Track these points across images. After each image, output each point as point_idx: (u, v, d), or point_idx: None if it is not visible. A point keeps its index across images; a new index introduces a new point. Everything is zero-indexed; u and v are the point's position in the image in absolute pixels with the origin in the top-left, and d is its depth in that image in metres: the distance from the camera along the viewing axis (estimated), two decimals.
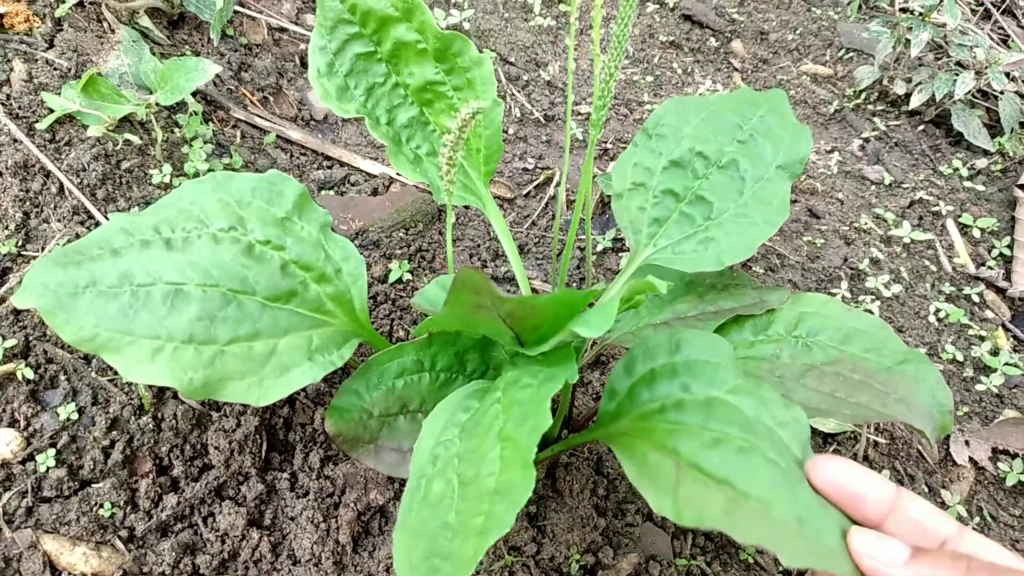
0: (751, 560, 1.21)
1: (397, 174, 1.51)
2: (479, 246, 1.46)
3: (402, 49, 1.02)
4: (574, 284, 1.47)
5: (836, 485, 0.63)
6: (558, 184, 1.63)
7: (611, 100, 0.87)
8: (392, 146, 1.01)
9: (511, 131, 1.73)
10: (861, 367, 1.02)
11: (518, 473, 0.60)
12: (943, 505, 1.33)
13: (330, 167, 1.48)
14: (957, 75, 1.99)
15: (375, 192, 1.46)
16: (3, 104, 1.24)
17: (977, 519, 1.32)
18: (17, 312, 1.10)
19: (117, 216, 0.89)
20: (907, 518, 0.62)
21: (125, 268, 0.84)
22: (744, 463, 0.63)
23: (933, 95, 2.01)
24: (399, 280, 1.34)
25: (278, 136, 1.46)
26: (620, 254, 1.54)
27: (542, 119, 1.78)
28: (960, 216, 1.86)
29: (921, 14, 1.98)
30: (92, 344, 0.80)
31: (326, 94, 0.99)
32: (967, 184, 1.95)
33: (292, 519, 1.07)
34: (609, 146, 1.76)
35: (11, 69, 1.28)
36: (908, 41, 2.00)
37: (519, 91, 1.81)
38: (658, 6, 2.23)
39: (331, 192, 1.43)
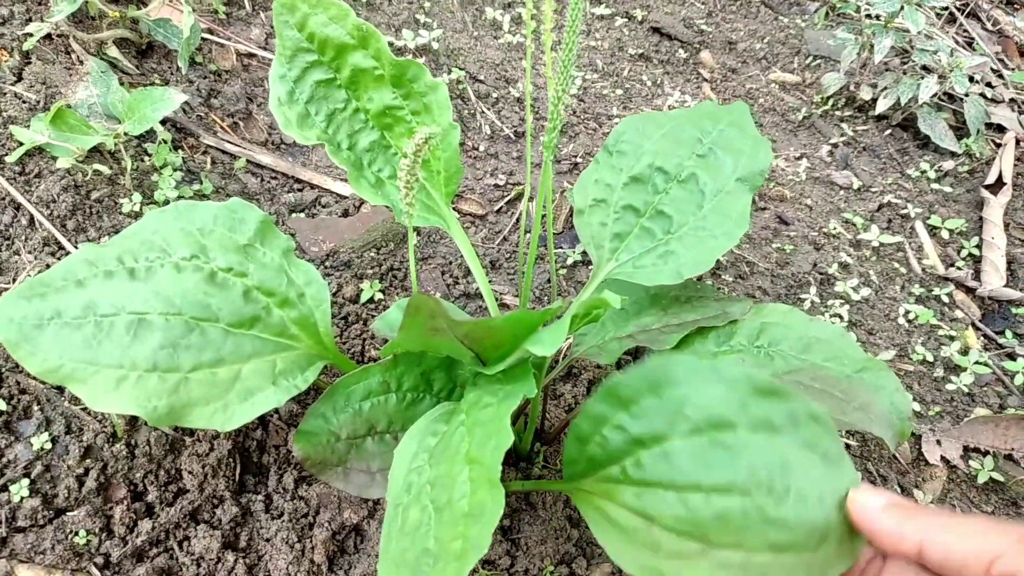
0: None
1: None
2: (450, 263, 1.48)
3: (360, 76, 1.04)
4: (545, 298, 1.49)
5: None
6: (531, 199, 1.65)
7: (561, 123, 0.89)
8: (353, 171, 1.03)
9: (481, 148, 1.75)
10: (821, 376, 1.04)
11: (487, 493, 0.62)
12: None
13: (300, 190, 1.50)
14: (921, 79, 2.02)
15: (346, 213, 1.48)
16: None
17: None
18: None
19: (83, 247, 0.91)
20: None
21: (89, 299, 0.85)
22: None
23: (899, 99, 2.04)
24: (370, 300, 1.35)
25: (248, 161, 1.48)
26: (590, 267, 1.56)
27: (512, 136, 1.80)
28: (929, 218, 1.89)
29: (884, 20, 2.02)
30: (57, 375, 0.82)
31: (287, 122, 1.01)
32: (935, 186, 1.98)
33: (267, 540, 1.08)
34: (579, 160, 1.78)
35: None
36: (873, 47, 2.04)
37: (489, 108, 1.84)
38: (627, 19, 2.26)
39: (302, 215, 1.45)
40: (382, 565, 0.70)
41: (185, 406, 0.84)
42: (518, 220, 1.62)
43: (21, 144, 1.26)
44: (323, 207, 1.48)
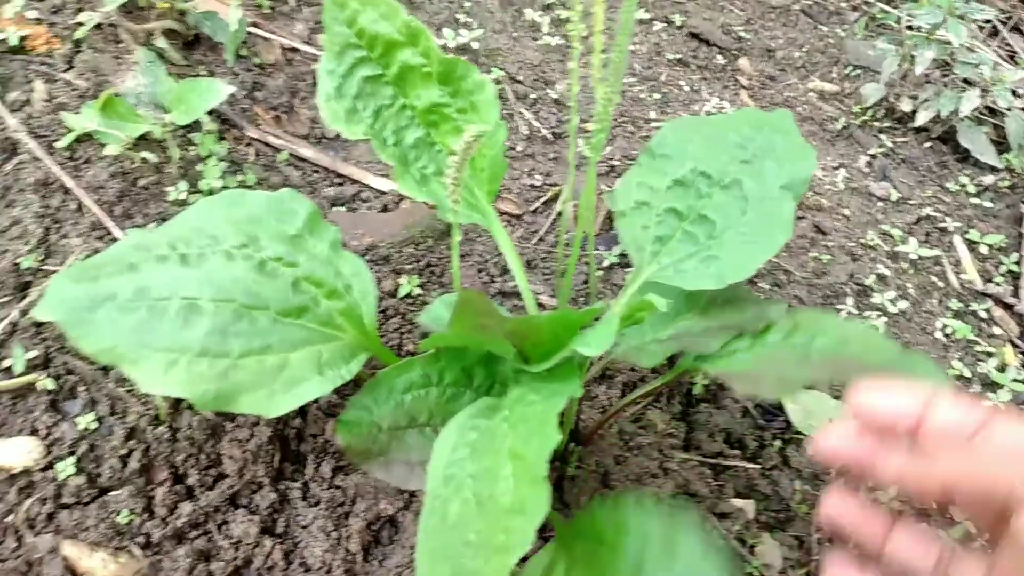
0: (757, 574, 1.22)
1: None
2: (487, 261, 1.49)
3: (408, 73, 1.06)
4: (581, 299, 1.49)
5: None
6: (564, 201, 1.65)
7: (610, 126, 0.90)
8: (399, 166, 1.04)
9: (519, 148, 1.76)
10: (858, 366, 1.02)
11: (530, 490, 0.62)
12: (952, 521, 1.34)
13: (341, 184, 1.51)
14: (963, 92, 2.00)
15: (385, 208, 1.49)
16: (24, 123, 1.28)
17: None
18: (38, 324, 1.14)
19: (134, 232, 0.92)
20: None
21: (142, 283, 0.87)
22: None
23: (939, 112, 2.03)
24: (408, 295, 1.36)
25: (290, 154, 1.50)
26: (626, 269, 1.56)
27: (550, 136, 1.81)
28: (967, 232, 1.88)
29: (926, 32, 2.00)
30: (110, 356, 0.83)
31: (335, 116, 1.02)
32: (974, 200, 1.97)
33: (304, 528, 1.10)
34: (616, 163, 1.79)
35: (32, 89, 1.32)
36: (914, 59, 2.02)
37: (527, 109, 1.84)
38: (665, 24, 2.26)
39: (342, 208, 1.46)
40: (421, 558, 0.70)
41: (233, 391, 0.85)
42: (554, 221, 1.63)
43: (71, 130, 1.28)
44: (363, 201, 1.49)
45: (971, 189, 1.99)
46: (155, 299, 0.86)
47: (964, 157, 2.08)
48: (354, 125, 1.04)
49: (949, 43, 2.00)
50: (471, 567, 0.63)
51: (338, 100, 1.04)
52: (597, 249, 1.61)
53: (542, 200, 1.66)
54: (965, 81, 2.07)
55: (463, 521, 0.68)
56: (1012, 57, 2.39)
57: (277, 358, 0.89)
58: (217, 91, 1.28)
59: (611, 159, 1.80)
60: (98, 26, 1.46)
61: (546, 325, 0.79)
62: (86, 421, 1.08)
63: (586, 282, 1.51)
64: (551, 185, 1.69)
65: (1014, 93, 2.08)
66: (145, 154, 1.31)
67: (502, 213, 1.62)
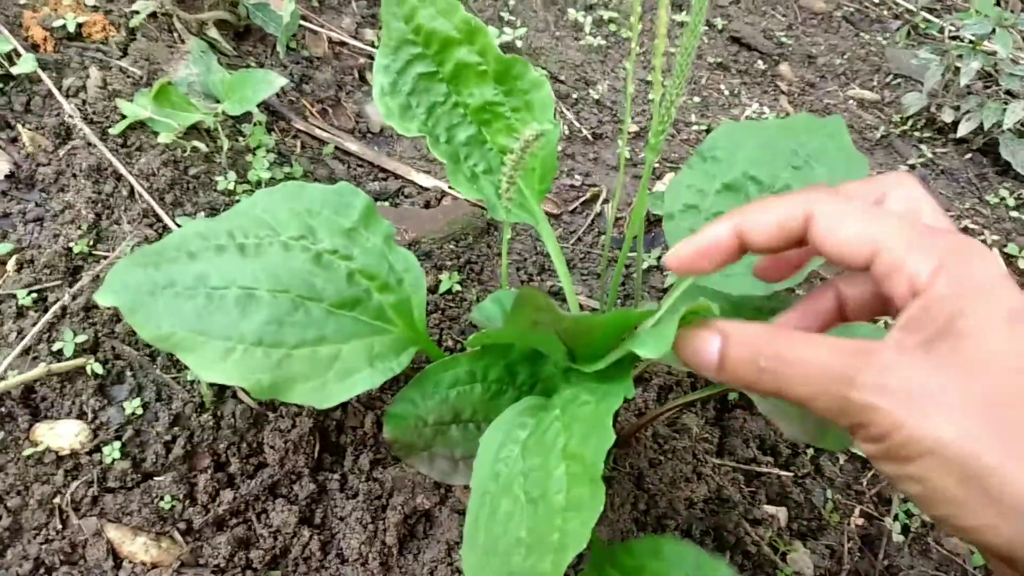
0: (791, 573, 1.22)
1: (449, 187, 1.54)
2: (525, 260, 1.49)
3: (463, 70, 1.06)
4: (617, 301, 1.49)
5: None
6: (606, 201, 1.66)
7: (668, 128, 0.90)
8: (451, 164, 1.04)
9: (559, 148, 1.76)
10: None
11: (587, 489, 0.62)
12: None
13: (385, 179, 1.52)
14: (1007, 104, 1.98)
15: (427, 205, 1.50)
16: (79, 109, 1.30)
17: None
18: (88, 309, 1.15)
19: (193, 221, 0.93)
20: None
21: (201, 271, 0.88)
22: None
23: (981, 124, 2.01)
24: (449, 291, 1.37)
25: (336, 147, 1.51)
26: (664, 273, 1.56)
27: (590, 137, 1.81)
28: (1006, 246, 1.86)
29: (972, 42, 1.98)
30: (168, 343, 0.84)
31: (389, 112, 1.03)
32: (1013, 214, 1.95)
33: (341, 519, 1.11)
34: (656, 165, 1.78)
35: (88, 76, 1.34)
36: (958, 69, 2.00)
37: (568, 109, 1.84)
38: (707, 28, 2.26)
39: (386, 203, 1.47)
40: (467, 553, 0.70)
41: (287, 381, 0.86)
42: (593, 221, 1.63)
43: (124, 117, 1.30)
44: (406, 197, 1.50)
45: (1011, 202, 1.97)
46: (213, 287, 0.87)
47: (1004, 170, 2.07)
48: (408, 122, 1.05)
49: (994, 54, 1.98)
50: (523, 564, 0.63)
51: (392, 96, 1.05)
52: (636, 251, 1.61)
53: (581, 200, 1.67)
54: (1008, 93, 2.05)
55: (513, 519, 0.68)
56: None
57: (330, 349, 0.90)
58: (271, 83, 1.29)
59: (653, 162, 1.79)
60: (153, 15, 1.47)
61: (604, 324, 0.79)
62: (132, 406, 1.09)
63: (623, 284, 1.51)
64: (590, 185, 1.69)
65: None
66: (196, 143, 1.32)
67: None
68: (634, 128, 1.87)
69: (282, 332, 0.87)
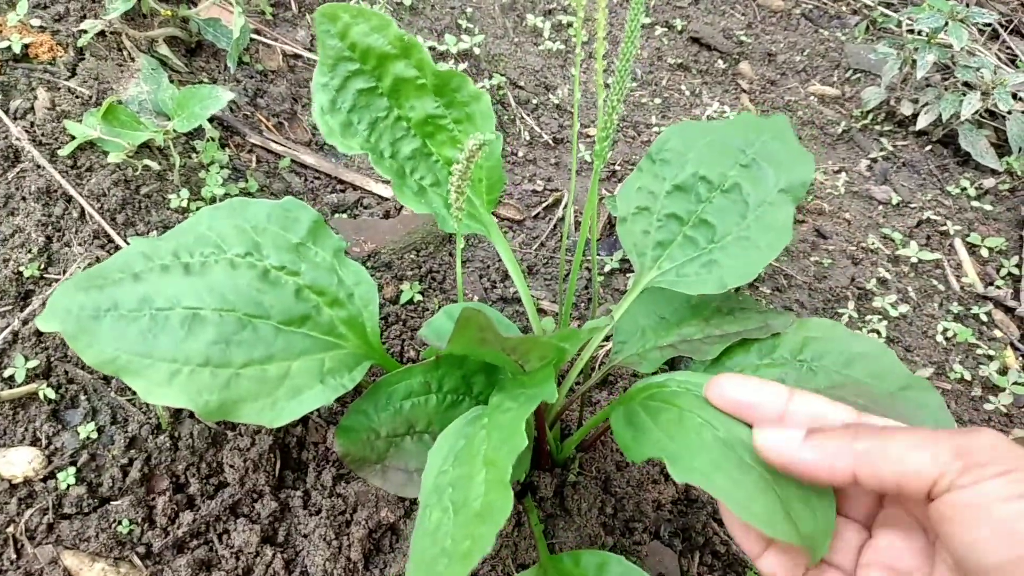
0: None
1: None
2: (488, 267, 1.49)
3: (402, 85, 1.05)
4: (582, 304, 1.49)
5: (728, 399, 0.71)
6: (566, 206, 1.66)
7: (614, 131, 0.90)
8: (396, 179, 1.03)
9: (520, 154, 1.76)
10: (865, 391, 1.03)
11: (498, 495, 0.62)
12: None
13: (343, 191, 1.51)
14: (964, 96, 2.00)
15: (387, 215, 1.49)
16: (27, 131, 1.29)
17: None
18: (40, 334, 1.14)
19: (137, 241, 0.92)
20: (804, 414, 0.68)
21: (145, 292, 0.87)
22: None
23: (940, 116, 2.03)
24: (410, 301, 1.36)
25: (292, 160, 1.50)
26: (628, 274, 1.56)
27: (551, 142, 1.81)
28: (968, 236, 1.88)
29: (927, 36, 2.00)
30: (113, 367, 0.83)
31: (330, 131, 1.02)
32: (975, 204, 1.97)
33: (305, 536, 1.10)
34: (617, 168, 1.79)
35: (35, 97, 1.32)
36: (915, 62, 2.02)
37: (528, 114, 1.84)
38: (666, 29, 2.26)
39: (344, 215, 1.47)
40: (409, 565, 0.70)
41: (236, 401, 0.85)
42: (556, 226, 1.63)
43: (74, 138, 1.28)
44: (365, 208, 1.50)
45: (972, 192, 1.99)
46: (158, 309, 0.86)
47: (965, 160, 2.09)
48: (349, 139, 1.04)
49: (950, 47, 2.00)
50: (444, 574, 0.62)
51: (333, 114, 1.04)
52: (599, 254, 1.61)
53: (543, 205, 1.67)
54: (966, 84, 2.07)
55: (441, 529, 0.67)
56: (1013, 61, 2.39)
57: (279, 367, 0.89)
58: (218, 98, 1.28)
59: (613, 164, 1.80)
60: (101, 34, 1.46)
61: (548, 343, 0.79)
62: (87, 431, 1.08)
63: (587, 287, 1.51)
64: (552, 190, 1.69)
65: (1015, 96, 2.08)
66: (147, 161, 1.31)
67: (503, 219, 1.62)
68: (595, 131, 1.88)
69: (229, 352, 0.87)
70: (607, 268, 1.56)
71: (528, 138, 1.80)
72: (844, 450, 0.61)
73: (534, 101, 1.87)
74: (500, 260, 1.51)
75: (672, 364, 1.38)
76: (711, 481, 0.66)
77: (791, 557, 0.68)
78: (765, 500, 0.65)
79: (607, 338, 1.41)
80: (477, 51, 1.87)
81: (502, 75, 1.86)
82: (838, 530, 0.69)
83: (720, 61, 2.24)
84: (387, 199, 1.52)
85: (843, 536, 0.70)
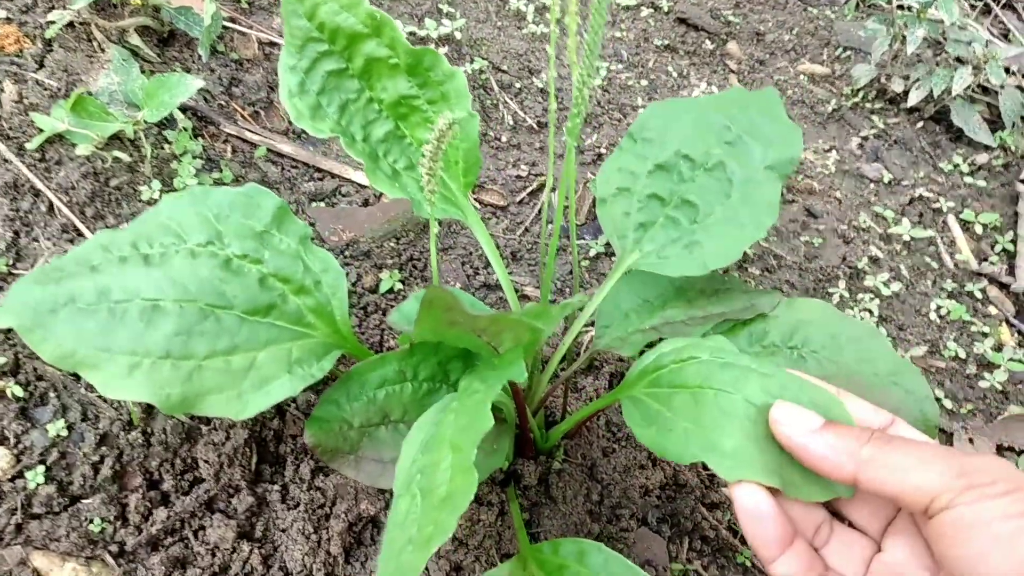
0: (748, 563, 1.20)
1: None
2: (471, 254, 1.46)
3: (374, 65, 1.02)
4: (567, 289, 1.46)
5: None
6: (553, 190, 1.63)
7: (586, 109, 0.87)
8: (369, 163, 1.00)
9: (504, 138, 1.73)
10: (855, 380, 1.01)
11: (461, 480, 0.60)
12: None
13: (321, 179, 1.48)
14: (955, 71, 1.97)
15: (366, 203, 1.46)
16: None
17: None
18: (7, 331, 1.11)
19: (98, 232, 0.90)
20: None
21: (103, 285, 0.84)
22: None
23: (931, 92, 1.99)
24: (390, 290, 1.34)
25: (269, 150, 1.47)
26: (613, 258, 1.53)
27: (535, 126, 1.78)
28: (961, 212, 1.85)
29: (917, 10, 1.97)
30: (71, 361, 0.81)
31: (299, 114, 0.98)
32: (968, 180, 1.94)
33: (283, 531, 1.07)
34: (603, 151, 1.76)
35: (1, 90, 1.29)
36: (905, 38, 1.99)
37: (512, 99, 1.81)
38: (652, 10, 2.23)
39: (322, 204, 1.44)
40: (380, 557, 0.68)
41: (199, 394, 0.83)
42: (540, 211, 1.60)
43: (41, 131, 1.25)
44: (343, 196, 1.47)
45: (965, 168, 1.96)
46: (116, 301, 0.84)
47: (957, 136, 2.05)
48: (320, 122, 1.01)
49: (941, 21, 1.97)
50: (408, 562, 0.60)
51: (301, 97, 1.00)
52: (584, 238, 1.58)
53: (528, 191, 1.64)
54: (957, 60, 2.04)
55: (409, 517, 0.65)
56: (1006, 35, 2.36)
57: (244, 358, 0.86)
58: (187, 86, 1.25)
59: (599, 147, 1.77)
60: (70, 24, 1.43)
61: (520, 321, 0.76)
62: (56, 428, 1.05)
63: (573, 273, 1.49)
64: (537, 175, 1.67)
65: (1007, 71, 2.04)
66: (118, 153, 1.28)
67: (486, 204, 1.59)
68: (571, 111, 1.85)
69: (191, 343, 0.84)
70: (592, 252, 1.53)
71: (512, 123, 1.77)
72: (851, 450, 0.62)
73: (517, 85, 1.84)
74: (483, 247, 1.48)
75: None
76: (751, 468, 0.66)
77: (806, 560, 0.68)
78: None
79: (592, 324, 1.39)
80: (459, 35, 1.84)
81: (484, 59, 1.83)
82: (847, 542, 0.71)
83: (707, 42, 2.21)
84: (365, 187, 1.49)
85: (852, 548, 0.71)
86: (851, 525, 0.73)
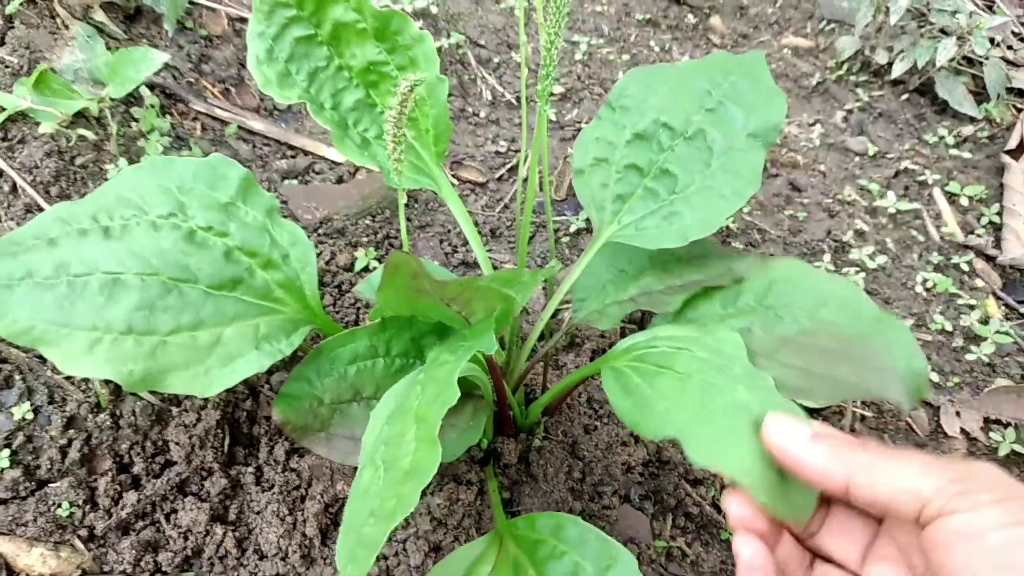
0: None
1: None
2: (449, 231, 1.44)
3: (342, 30, 0.99)
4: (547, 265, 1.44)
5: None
6: (525, 161, 1.60)
7: (554, 70, 0.84)
8: (337, 131, 0.98)
9: (482, 114, 1.70)
10: (836, 335, 0.98)
11: (425, 452, 0.57)
12: None
13: (293, 156, 1.45)
14: (939, 42, 1.95)
15: (340, 180, 1.43)
16: None
17: None
18: None
19: (56, 206, 0.87)
20: None
21: (61, 258, 0.81)
22: None
23: (915, 63, 1.97)
24: (366, 268, 1.31)
25: (240, 127, 1.44)
26: (591, 233, 1.51)
27: (514, 101, 1.75)
28: (947, 185, 1.83)
29: None
30: (28, 337, 0.78)
31: (266, 81, 0.96)
32: (953, 152, 1.92)
33: (258, 513, 1.05)
34: (584, 125, 1.73)
35: None
36: (888, 9, 1.96)
37: (490, 74, 1.78)
38: None
39: (295, 181, 1.41)
40: (341, 529, 0.66)
41: (163, 371, 0.80)
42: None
43: (3, 109, 1.22)
44: (316, 174, 1.44)
45: (950, 141, 1.94)
46: (75, 275, 0.81)
47: (942, 108, 2.03)
48: (288, 89, 0.98)
49: None
50: (370, 536, 0.58)
51: (269, 64, 0.98)
52: (564, 214, 1.55)
53: (507, 167, 1.61)
54: (941, 31, 2.01)
55: (371, 489, 0.63)
56: (990, 6, 2.34)
57: (210, 334, 0.84)
58: (152, 60, 1.22)
59: (579, 122, 1.74)
60: (32, 0, 1.39)
61: (490, 287, 0.73)
62: (22, 411, 1.02)
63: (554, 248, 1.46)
64: (516, 151, 1.64)
65: (992, 41, 2.02)
66: (82, 131, 1.24)
67: (465, 181, 1.56)
68: (560, 89, 1.82)
69: (154, 318, 0.81)
70: (572, 228, 1.51)
71: (490, 98, 1.74)
72: (843, 458, 0.61)
73: (496, 60, 1.81)
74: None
75: (640, 323, 1.33)
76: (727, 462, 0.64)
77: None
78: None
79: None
80: (435, 10, 1.80)
81: (461, 34, 1.80)
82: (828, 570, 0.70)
83: (690, 16, 2.18)
84: (340, 164, 1.46)
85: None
86: (829, 560, 0.71)
